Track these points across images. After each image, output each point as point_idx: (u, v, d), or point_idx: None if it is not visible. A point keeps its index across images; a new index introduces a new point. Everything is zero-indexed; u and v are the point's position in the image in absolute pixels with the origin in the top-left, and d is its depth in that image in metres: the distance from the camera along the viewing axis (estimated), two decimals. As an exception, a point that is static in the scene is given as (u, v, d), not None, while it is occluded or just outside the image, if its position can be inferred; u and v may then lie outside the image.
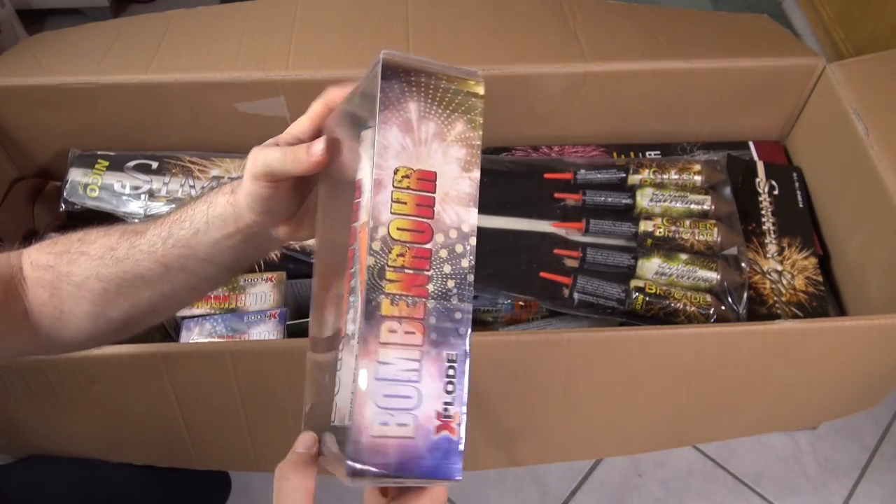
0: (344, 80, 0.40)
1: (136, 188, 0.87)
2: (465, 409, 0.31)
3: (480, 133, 0.31)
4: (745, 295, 0.78)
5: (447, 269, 0.31)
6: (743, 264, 0.81)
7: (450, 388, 0.31)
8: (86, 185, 0.87)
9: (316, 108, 0.41)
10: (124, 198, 0.87)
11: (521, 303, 0.85)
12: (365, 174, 0.32)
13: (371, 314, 0.30)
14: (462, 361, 0.31)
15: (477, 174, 0.31)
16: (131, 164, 0.88)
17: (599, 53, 0.88)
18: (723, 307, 0.77)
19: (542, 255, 0.81)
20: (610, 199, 0.85)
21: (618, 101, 0.92)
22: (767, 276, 0.83)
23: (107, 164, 0.88)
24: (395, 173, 0.31)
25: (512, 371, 0.71)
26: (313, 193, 0.43)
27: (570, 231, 0.84)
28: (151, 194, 0.87)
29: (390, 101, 0.31)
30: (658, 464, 1.10)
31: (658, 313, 0.77)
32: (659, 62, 0.88)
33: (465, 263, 0.31)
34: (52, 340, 0.48)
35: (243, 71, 0.84)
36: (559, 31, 0.92)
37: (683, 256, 0.79)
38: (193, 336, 0.78)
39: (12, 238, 0.89)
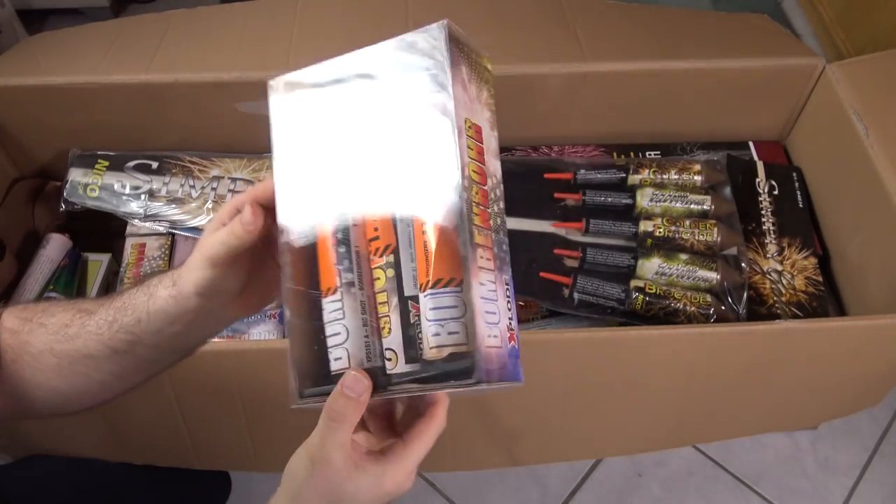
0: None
1: (136, 188, 0.87)
2: (517, 322, 0.37)
3: (493, 102, 0.37)
4: (745, 295, 0.78)
5: (495, 208, 0.37)
6: (743, 264, 0.81)
7: (510, 305, 0.37)
8: (86, 185, 0.87)
9: (241, 198, 0.42)
10: (124, 198, 0.87)
11: (521, 303, 0.85)
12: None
13: (469, 242, 0.35)
14: (511, 284, 0.37)
15: (496, 134, 0.37)
16: (131, 164, 0.88)
17: (599, 53, 0.88)
18: (723, 307, 0.77)
19: (542, 255, 0.81)
20: (610, 199, 0.85)
21: (618, 101, 0.91)
22: (767, 276, 0.83)
23: (107, 164, 0.88)
24: (465, 122, 0.36)
25: (512, 371, 0.70)
26: (266, 267, 0.45)
27: (570, 231, 0.84)
28: (151, 194, 0.87)
29: (454, 60, 0.36)
30: (658, 464, 1.10)
31: (658, 313, 0.77)
32: (659, 62, 0.88)
33: (501, 205, 0.37)
34: (16, 404, 0.49)
35: (243, 71, 0.84)
36: (559, 31, 0.92)
37: (683, 256, 0.79)
38: (193, 336, 0.78)
39: (12, 238, 0.89)
